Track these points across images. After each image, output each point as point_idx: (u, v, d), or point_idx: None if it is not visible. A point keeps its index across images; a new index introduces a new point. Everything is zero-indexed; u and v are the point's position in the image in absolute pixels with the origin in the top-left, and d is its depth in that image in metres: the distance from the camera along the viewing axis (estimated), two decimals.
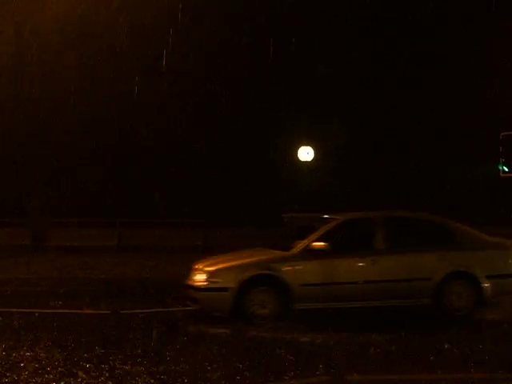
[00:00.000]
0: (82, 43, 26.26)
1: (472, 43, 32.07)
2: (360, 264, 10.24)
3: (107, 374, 6.80)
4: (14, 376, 6.68)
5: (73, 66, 26.43)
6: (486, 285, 10.24)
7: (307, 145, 26.71)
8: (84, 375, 6.74)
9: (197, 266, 10.39)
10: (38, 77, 25.66)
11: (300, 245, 10.34)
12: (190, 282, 10.23)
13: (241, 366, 7.17)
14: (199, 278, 10.01)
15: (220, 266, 10.21)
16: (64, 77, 26.42)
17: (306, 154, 26.56)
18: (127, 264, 19.15)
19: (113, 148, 29.78)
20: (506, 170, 20.87)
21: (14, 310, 10.61)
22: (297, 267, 10.06)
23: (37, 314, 10.28)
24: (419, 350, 8.00)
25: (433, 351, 7.87)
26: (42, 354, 7.55)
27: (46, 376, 6.71)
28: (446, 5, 32.19)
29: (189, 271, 10.50)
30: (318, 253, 10.01)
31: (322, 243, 10.05)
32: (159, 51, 29.55)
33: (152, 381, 6.61)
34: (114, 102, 29.73)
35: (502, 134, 21.07)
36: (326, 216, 11.91)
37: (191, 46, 30.21)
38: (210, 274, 9.93)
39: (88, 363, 7.21)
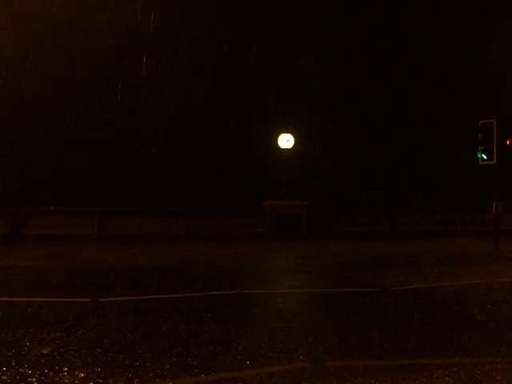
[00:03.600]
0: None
1: (452, 30, 32.18)
2: None
3: (80, 363, 6.79)
4: None
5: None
6: None
7: (287, 132, 26.71)
8: (62, 362, 6.72)
9: None
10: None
11: None
12: None
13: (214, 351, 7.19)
14: None
15: None
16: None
17: (286, 141, 26.56)
18: (107, 252, 19.13)
19: (93, 136, 29.60)
20: (485, 157, 21.01)
21: None
22: None
23: (15, 303, 10.23)
24: (398, 335, 8.08)
25: (412, 337, 7.96)
26: (17, 342, 7.51)
27: (24, 366, 6.67)
28: None
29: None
30: None
31: None
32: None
33: (124, 370, 6.60)
34: (100, 92, 29.67)
35: (480, 121, 21.20)
36: None
37: (173, 34, 30.13)
38: None
39: (66, 351, 7.18)
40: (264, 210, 25.13)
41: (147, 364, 6.73)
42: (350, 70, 31.72)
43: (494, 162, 20.71)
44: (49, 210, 24.90)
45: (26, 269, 15.07)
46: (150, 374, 6.41)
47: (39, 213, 24.28)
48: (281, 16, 31.43)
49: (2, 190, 25.93)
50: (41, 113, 28.75)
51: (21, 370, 6.44)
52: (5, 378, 6.21)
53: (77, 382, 6.17)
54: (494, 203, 21.60)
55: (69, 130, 29.33)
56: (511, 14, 30.37)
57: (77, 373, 6.41)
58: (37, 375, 6.31)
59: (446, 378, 6.34)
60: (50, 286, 12.37)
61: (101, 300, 10.51)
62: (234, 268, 15.82)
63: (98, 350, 7.22)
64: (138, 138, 29.78)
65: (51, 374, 6.38)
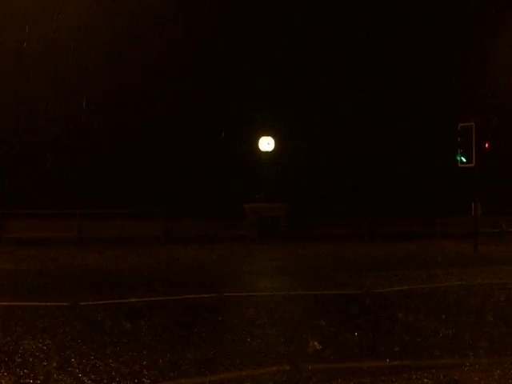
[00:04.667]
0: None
1: (435, 34, 32.41)
2: None
3: (56, 365, 6.76)
4: None
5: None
6: None
7: (268, 135, 26.74)
8: (39, 367, 6.69)
9: None
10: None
11: None
12: None
13: (193, 355, 7.19)
14: None
15: None
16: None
17: (266, 144, 26.59)
18: (87, 255, 19.06)
19: (72, 138, 29.48)
20: (464, 160, 21.17)
21: None
22: None
23: None
24: (379, 337, 8.12)
25: (392, 339, 8.00)
26: None
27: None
28: None
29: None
30: None
31: None
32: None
33: (111, 371, 6.58)
34: (77, 93, 29.58)
35: (459, 124, 21.37)
36: None
37: (158, 34, 30.11)
38: None
39: (44, 355, 7.15)
40: (245, 213, 25.14)
41: (126, 369, 6.72)
42: (330, 72, 31.79)
43: (473, 164, 20.88)
44: (28, 212, 24.75)
45: (4, 272, 14.98)
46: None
47: (18, 215, 24.13)
48: (261, 18, 31.47)
49: None
50: (18, 114, 28.60)
51: None
52: None
53: None
54: (472, 205, 21.76)
55: (47, 132, 29.18)
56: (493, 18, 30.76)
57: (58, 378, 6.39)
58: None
59: (425, 380, 6.40)
60: (29, 289, 12.30)
61: (81, 304, 10.47)
62: (214, 270, 15.82)
63: (83, 357, 7.20)
64: (118, 140, 29.66)
65: (29, 380, 6.35)
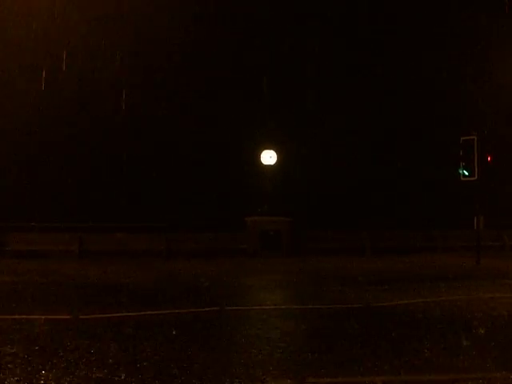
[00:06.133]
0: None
1: (437, 46, 32.46)
2: None
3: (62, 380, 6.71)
4: None
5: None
6: None
7: (270, 148, 26.75)
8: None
9: None
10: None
11: None
12: None
13: (195, 369, 7.14)
14: None
15: None
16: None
17: (268, 157, 26.60)
18: (88, 269, 19.03)
19: (73, 152, 29.52)
20: (467, 173, 21.16)
21: None
22: None
23: None
24: (380, 351, 8.06)
25: (396, 352, 7.95)
26: None
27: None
28: (414, 4, 32.65)
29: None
30: None
31: None
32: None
33: None
34: (79, 103, 29.66)
35: (462, 138, 21.37)
36: None
37: (159, 46, 30.20)
38: None
39: (46, 370, 7.11)
40: (246, 226, 25.10)
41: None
42: (332, 86, 31.82)
43: (476, 177, 20.86)
44: (30, 225, 24.77)
45: (5, 285, 14.95)
46: None
47: (20, 229, 24.15)
48: (264, 28, 31.53)
49: None
50: (19, 129, 28.66)
51: None
52: None
53: None
54: (475, 219, 21.72)
55: (49, 146, 29.22)
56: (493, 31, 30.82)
57: None
58: None
59: None
60: (30, 302, 12.26)
61: (81, 317, 10.43)
62: (216, 284, 15.77)
63: (82, 370, 7.15)
64: (119, 153, 29.68)
65: None
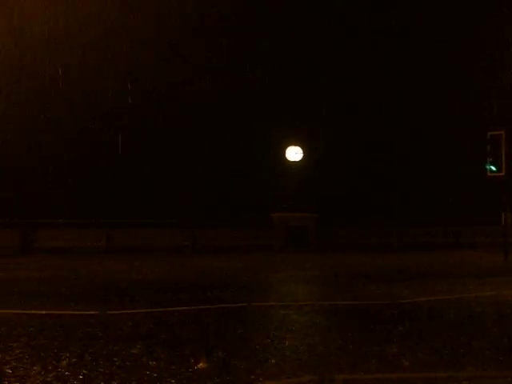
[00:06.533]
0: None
1: (460, 41, 32.16)
2: None
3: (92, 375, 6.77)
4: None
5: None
6: None
7: (296, 145, 26.74)
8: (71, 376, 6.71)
9: None
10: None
11: None
12: None
13: (222, 364, 7.16)
14: None
15: None
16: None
17: (294, 153, 26.60)
18: (115, 264, 19.15)
19: (100, 147, 29.69)
20: (494, 169, 20.97)
21: (1, 311, 10.57)
22: None
23: (24, 315, 10.24)
24: (406, 348, 8.02)
25: (421, 350, 7.91)
26: (27, 355, 7.51)
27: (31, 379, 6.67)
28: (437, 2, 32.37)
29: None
30: None
31: None
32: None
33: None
34: (106, 102, 29.80)
35: (489, 133, 21.16)
36: None
37: (183, 42, 30.26)
38: None
39: (74, 364, 7.17)
40: (273, 223, 25.11)
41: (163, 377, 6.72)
42: (358, 80, 31.68)
43: (503, 173, 20.68)
44: (58, 222, 25.00)
45: (35, 280, 15.10)
46: None
47: (48, 225, 24.39)
48: (289, 23, 31.46)
49: (12, 203, 26.07)
50: (51, 126, 28.91)
51: None
52: None
53: None
54: (502, 214, 21.54)
55: (77, 143, 29.43)
56: None
57: None
58: None
59: None
60: (59, 298, 12.37)
61: (109, 312, 10.51)
62: (242, 280, 15.79)
63: (111, 365, 7.21)
64: (147, 151, 29.83)
65: None
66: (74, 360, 7.34)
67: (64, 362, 7.22)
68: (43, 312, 10.49)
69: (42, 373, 6.79)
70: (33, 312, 10.52)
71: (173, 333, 8.98)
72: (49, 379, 6.58)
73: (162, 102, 30.45)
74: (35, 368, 6.96)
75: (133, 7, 29.19)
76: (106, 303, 11.52)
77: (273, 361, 7.44)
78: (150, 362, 7.28)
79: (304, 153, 26.97)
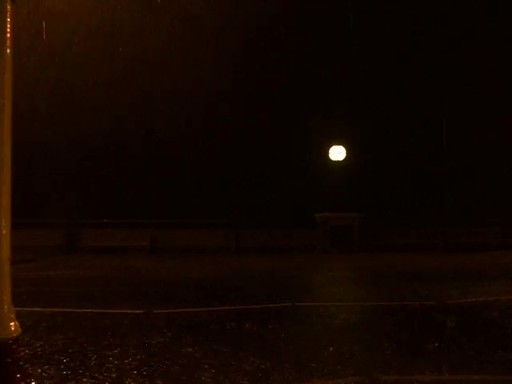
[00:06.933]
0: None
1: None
2: None
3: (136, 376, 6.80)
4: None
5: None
6: None
7: (339, 144, 26.63)
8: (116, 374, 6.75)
9: None
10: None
11: None
12: None
13: (268, 364, 7.13)
14: None
15: None
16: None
17: (337, 153, 26.49)
18: (160, 264, 19.26)
19: (144, 149, 29.94)
20: None
21: (48, 309, 10.70)
22: None
23: (68, 314, 10.35)
24: (454, 349, 7.90)
25: (470, 352, 7.78)
26: (74, 354, 7.58)
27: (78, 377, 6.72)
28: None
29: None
30: None
31: None
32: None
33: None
34: (140, 102, 30.06)
35: None
36: None
37: (213, 39, 30.31)
38: None
39: (120, 362, 7.21)
40: (316, 223, 25.02)
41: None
42: (399, 80, 31.41)
43: None
44: (102, 222, 25.28)
45: (80, 279, 15.28)
46: None
47: (93, 225, 24.67)
48: (331, 21, 31.34)
49: (58, 203, 26.44)
50: (96, 127, 29.23)
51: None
52: None
53: None
54: None
55: (124, 144, 29.71)
56: None
57: None
58: None
59: None
60: (104, 297, 12.49)
61: (154, 312, 10.56)
62: (286, 280, 15.76)
63: (161, 365, 7.23)
64: (190, 152, 29.97)
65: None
66: (129, 360, 7.39)
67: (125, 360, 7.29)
68: (89, 310, 10.59)
69: (104, 369, 6.86)
70: (78, 311, 10.63)
71: (218, 332, 8.99)
72: (113, 375, 6.65)
73: (204, 100, 30.53)
74: (94, 363, 7.03)
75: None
76: (152, 302, 11.58)
77: (316, 361, 7.39)
78: (204, 361, 7.30)
79: (347, 152, 26.84)
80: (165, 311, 10.66)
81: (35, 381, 6.36)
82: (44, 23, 25.83)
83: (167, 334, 8.78)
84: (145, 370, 6.90)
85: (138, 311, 10.60)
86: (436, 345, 8.17)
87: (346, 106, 30.55)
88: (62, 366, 7.03)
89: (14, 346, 3.20)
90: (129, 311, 10.61)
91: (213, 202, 27.96)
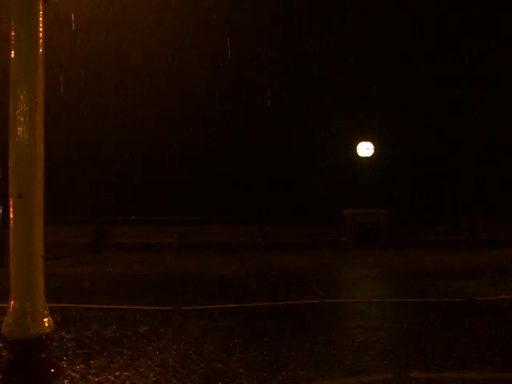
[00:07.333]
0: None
1: None
2: None
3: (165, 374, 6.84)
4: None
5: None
6: None
7: (367, 140, 26.52)
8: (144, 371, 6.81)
9: None
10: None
11: None
12: None
13: (306, 360, 7.14)
14: None
15: None
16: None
17: (365, 149, 26.37)
18: (188, 261, 19.33)
19: (169, 146, 30.02)
20: None
21: (79, 305, 10.80)
22: None
23: (99, 310, 10.44)
24: (485, 347, 7.85)
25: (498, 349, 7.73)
26: (105, 350, 7.66)
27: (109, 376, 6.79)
28: None
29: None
30: None
31: None
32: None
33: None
34: (170, 97, 30.13)
35: None
36: None
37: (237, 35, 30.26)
38: None
39: (148, 359, 7.27)
40: (343, 219, 24.94)
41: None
42: (430, 75, 31.14)
43: None
44: (130, 219, 25.44)
45: (110, 276, 15.39)
46: None
47: (121, 222, 24.82)
48: (361, 16, 31.14)
49: (87, 200, 26.67)
50: (122, 125, 29.40)
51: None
52: None
53: None
54: None
55: (150, 142, 29.83)
56: None
57: None
58: None
59: None
60: (133, 293, 12.59)
61: (183, 308, 10.62)
62: (314, 277, 15.73)
63: (197, 362, 7.27)
64: (217, 150, 30.02)
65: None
66: (161, 356, 7.45)
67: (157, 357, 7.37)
68: (119, 307, 10.68)
69: (134, 367, 6.93)
70: (107, 307, 10.72)
71: (245, 329, 9.01)
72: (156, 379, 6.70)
73: (236, 99, 30.55)
74: (124, 359, 7.11)
75: None
76: (180, 299, 11.64)
77: (345, 357, 7.40)
78: (233, 357, 7.34)
79: (375, 148, 26.73)
80: (194, 308, 10.72)
81: (68, 376, 6.43)
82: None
83: (194, 332, 8.83)
84: (174, 370, 6.95)
85: (166, 308, 10.67)
86: (466, 343, 8.13)
87: (375, 102, 30.38)
88: (93, 362, 7.11)
89: (47, 342, 3.23)
90: (157, 308, 10.69)
91: (240, 198, 27.98)
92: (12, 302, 3.17)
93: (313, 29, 30.71)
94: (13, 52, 3.23)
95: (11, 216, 3.26)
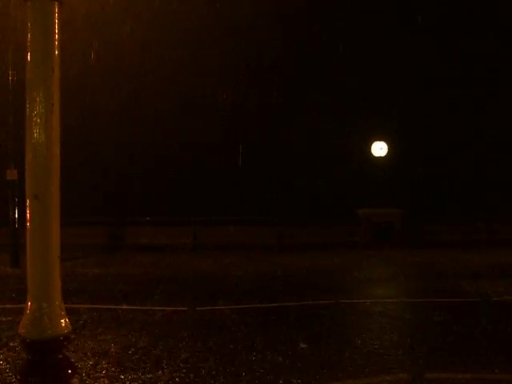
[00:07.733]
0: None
1: None
2: None
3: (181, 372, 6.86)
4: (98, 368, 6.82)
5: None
6: None
7: (381, 140, 26.45)
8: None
9: None
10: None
11: None
12: None
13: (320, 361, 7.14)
14: None
15: None
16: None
17: (379, 149, 26.30)
18: (202, 261, 19.35)
19: (184, 147, 30.10)
20: None
21: (93, 306, 10.85)
22: None
23: (116, 310, 10.48)
24: (500, 347, 7.82)
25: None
26: (121, 350, 7.69)
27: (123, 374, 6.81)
28: None
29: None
30: None
31: None
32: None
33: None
34: (180, 100, 30.23)
35: None
36: None
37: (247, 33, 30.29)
38: None
39: (164, 358, 7.29)
40: (358, 219, 24.89)
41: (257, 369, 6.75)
42: (442, 75, 31.07)
43: None
44: (145, 220, 25.50)
45: (125, 277, 15.43)
46: None
47: (136, 223, 24.89)
48: (373, 18, 31.13)
49: (102, 202, 26.77)
50: (138, 127, 29.53)
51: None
52: None
53: None
54: None
55: (164, 144, 29.92)
56: None
57: None
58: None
59: None
60: (149, 294, 12.61)
61: (197, 309, 10.64)
62: (329, 277, 15.71)
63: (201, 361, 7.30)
64: (231, 151, 30.06)
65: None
66: (177, 356, 7.48)
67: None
68: (135, 307, 10.72)
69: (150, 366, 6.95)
70: (124, 307, 10.76)
71: (257, 329, 9.02)
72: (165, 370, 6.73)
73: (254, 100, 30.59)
74: (139, 358, 7.13)
75: None
76: (195, 300, 11.66)
77: (359, 357, 7.39)
78: (247, 356, 7.35)
79: (389, 148, 26.66)
80: (207, 308, 10.74)
81: (85, 376, 6.47)
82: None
83: (209, 331, 8.86)
84: (196, 368, 6.97)
85: (182, 308, 10.70)
86: (480, 343, 8.10)
87: (388, 102, 30.34)
88: (111, 362, 7.15)
89: (64, 343, 3.25)
90: (172, 308, 10.71)
91: (255, 199, 28.00)
92: (29, 303, 3.20)
93: (321, 28, 30.70)
94: (29, 55, 3.26)
95: (28, 217, 3.28)
